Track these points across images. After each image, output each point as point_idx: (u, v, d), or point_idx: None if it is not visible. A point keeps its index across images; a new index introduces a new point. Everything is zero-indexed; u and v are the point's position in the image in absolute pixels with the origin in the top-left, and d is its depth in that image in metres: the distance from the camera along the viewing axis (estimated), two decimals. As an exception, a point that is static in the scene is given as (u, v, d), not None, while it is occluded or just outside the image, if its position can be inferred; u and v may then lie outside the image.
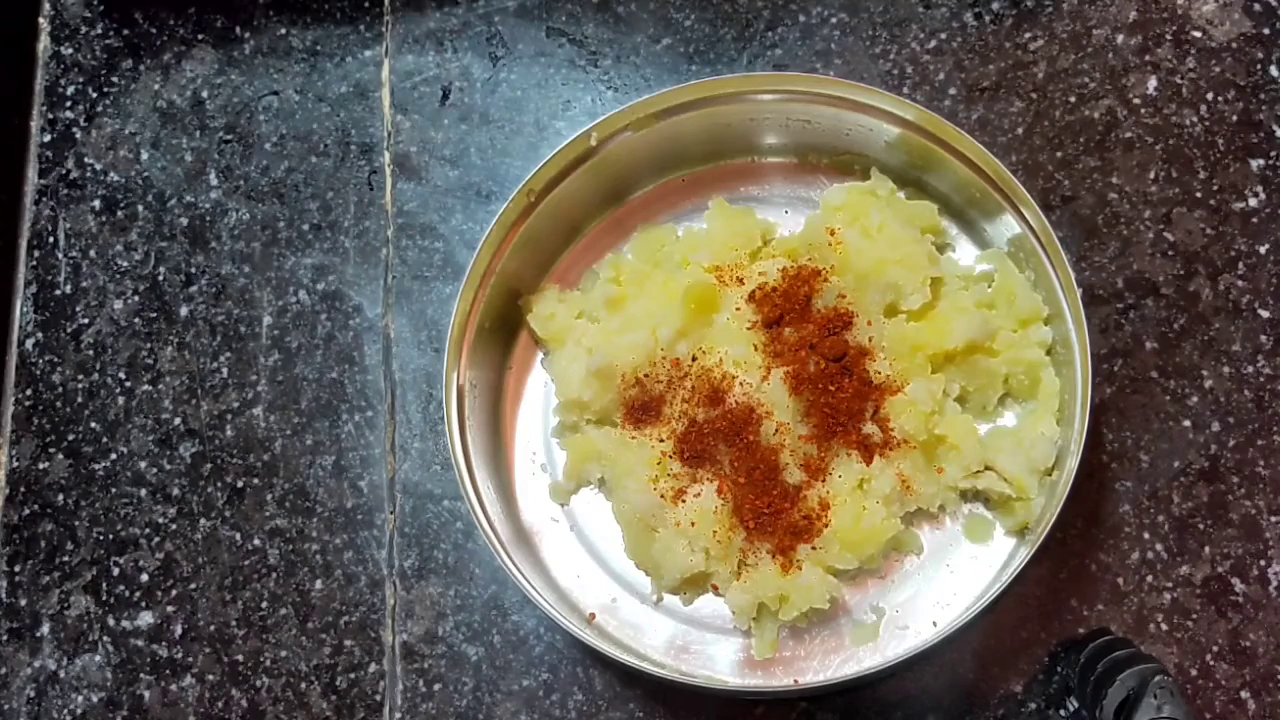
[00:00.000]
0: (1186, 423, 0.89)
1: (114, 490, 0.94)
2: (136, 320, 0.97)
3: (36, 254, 1.00)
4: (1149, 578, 0.86)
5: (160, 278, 0.98)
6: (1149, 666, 0.77)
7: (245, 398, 0.95)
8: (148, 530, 0.92)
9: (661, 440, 0.86)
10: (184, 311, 0.97)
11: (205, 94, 1.02)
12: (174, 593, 0.91)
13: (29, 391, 0.96)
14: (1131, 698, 0.76)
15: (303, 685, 0.89)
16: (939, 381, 0.85)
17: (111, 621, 0.91)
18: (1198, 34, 0.97)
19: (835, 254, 0.87)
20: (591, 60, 1.01)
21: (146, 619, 0.91)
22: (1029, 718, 0.85)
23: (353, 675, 0.89)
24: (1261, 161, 0.94)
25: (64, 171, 1.01)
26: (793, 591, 0.82)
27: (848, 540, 0.82)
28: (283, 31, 1.03)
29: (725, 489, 0.83)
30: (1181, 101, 0.96)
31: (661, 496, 0.84)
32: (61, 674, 0.90)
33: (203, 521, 0.92)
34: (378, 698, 0.88)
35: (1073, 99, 0.96)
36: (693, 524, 0.83)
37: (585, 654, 0.87)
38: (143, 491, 0.93)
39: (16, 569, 0.92)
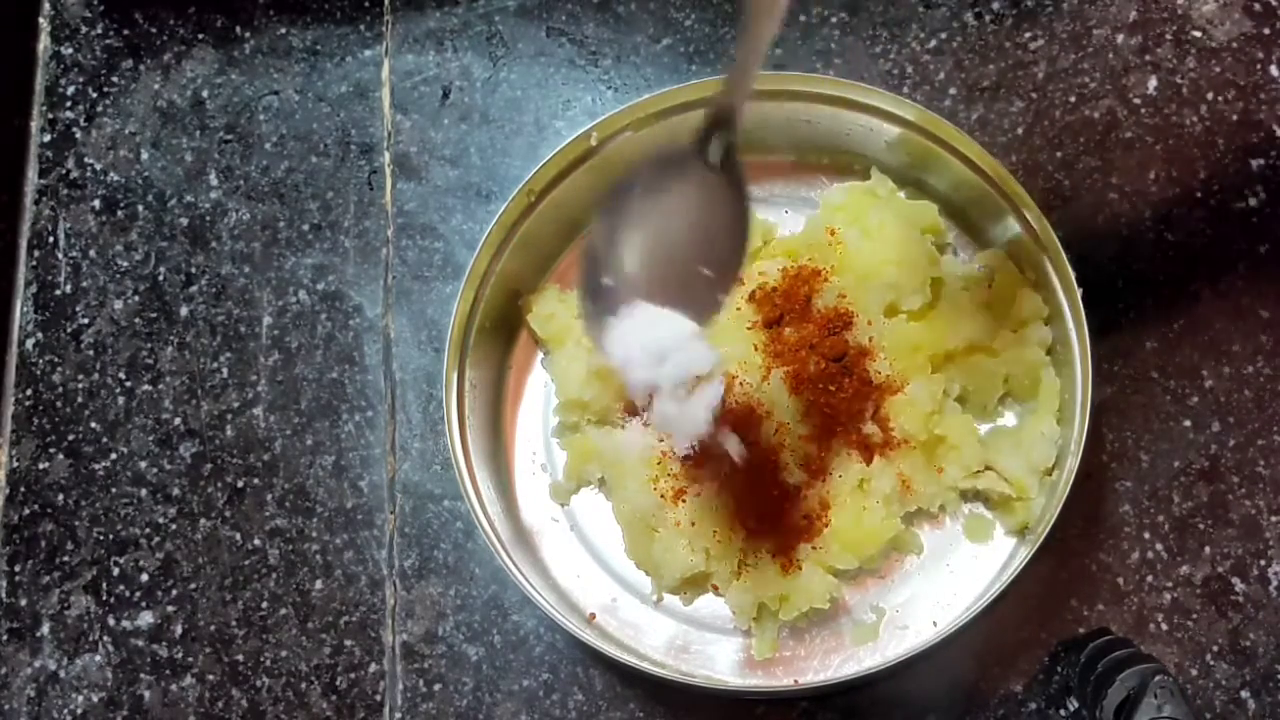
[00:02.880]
0: (1186, 423, 0.89)
1: (114, 490, 0.94)
2: (137, 320, 0.97)
3: (37, 254, 1.00)
4: (1149, 578, 0.86)
5: (160, 278, 0.98)
6: (1149, 666, 0.77)
7: (245, 398, 0.95)
8: (148, 530, 0.92)
9: (661, 440, 0.86)
10: (184, 311, 0.97)
11: (205, 94, 1.02)
12: (174, 593, 0.91)
13: (29, 391, 0.96)
14: (1131, 698, 0.76)
15: (303, 685, 0.89)
16: (939, 381, 0.85)
17: (112, 621, 0.91)
18: (1198, 34, 0.97)
19: (835, 254, 0.87)
20: (591, 60, 1.01)
21: (147, 619, 0.91)
22: (1029, 718, 0.85)
23: (353, 675, 0.89)
24: (1261, 161, 0.94)
25: (64, 171, 1.01)
26: (793, 591, 0.82)
27: (848, 540, 0.82)
28: (283, 31, 1.03)
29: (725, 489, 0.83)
30: (1181, 101, 0.96)
31: (661, 496, 0.84)
32: (62, 674, 0.90)
33: (203, 521, 0.92)
34: (378, 698, 0.88)
35: (1073, 99, 0.96)
36: (693, 524, 0.83)
37: (585, 654, 0.87)
38: (143, 491, 0.93)
39: (17, 569, 0.92)
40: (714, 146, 0.67)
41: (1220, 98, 0.96)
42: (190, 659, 0.90)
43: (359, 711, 0.88)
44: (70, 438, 0.95)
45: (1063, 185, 0.95)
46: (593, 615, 0.87)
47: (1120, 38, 0.98)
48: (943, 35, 0.99)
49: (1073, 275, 0.84)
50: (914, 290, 0.86)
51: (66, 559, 0.92)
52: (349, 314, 0.96)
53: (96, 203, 1.00)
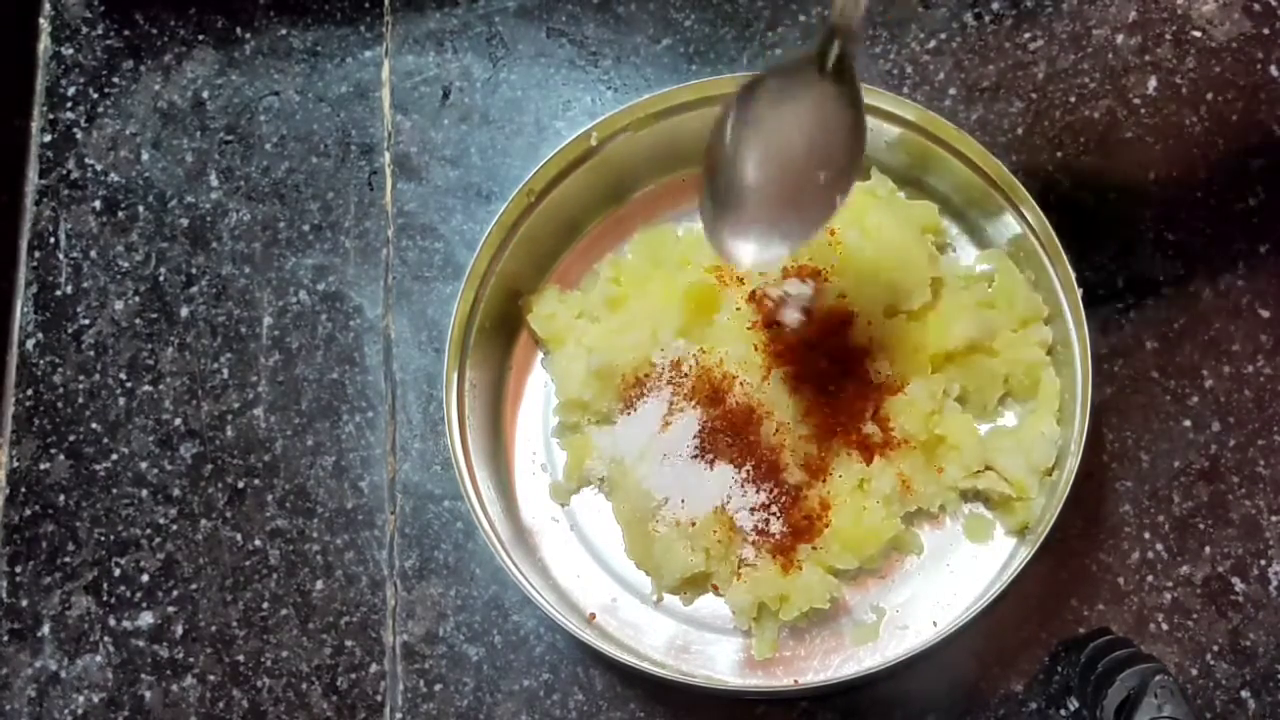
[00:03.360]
0: (1186, 423, 0.89)
1: (115, 491, 0.94)
2: (137, 321, 0.97)
3: (37, 254, 1.00)
4: (1149, 577, 0.86)
5: (161, 278, 0.98)
6: (1149, 666, 0.77)
7: (246, 398, 0.95)
8: (149, 531, 0.93)
9: (663, 430, 0.85)
10: (184, 312, 0.97)
11: (206, 94, 1.02)
12: (175, 593, 0.91)
13: (30, 392, 0.96)
14: (1132, 697, 0.76)
15: (304, 686, 0.89)
16: (939, 381, 0.85)
17: (112, 622, 0.91)
18: (1198, 34, 0.97)
19: (835, 254, 0.87)
20: (591, 60, 1.01)
21: (147, 619, 0.91)
22: (1029, 718, 0.85)
23: (354, 676, 0.89)
24: (1261, 161, 0.94)
25: (65, 172, 1.01)
26: (793, 591, 0.82)
27: (848, 540, 0.82)
28: (283, 32, 1.03)
29: (725, 489, 0.83)
30: (1181, 101, 0.96)
31: (663, 498, 0.84)
32: (63, 674, 0.90)
33: (203, 522, 0.92)
34: (379, 698, 0.88)
35: (1073, 99, 0.96)
36: (693, 524, 0.83)
37: (585, 654, 0.87)
38: (144, 492, 0.93)
39: (17, 569, 0.92)
40: (831, 56, 0.71)
41: (1220, 98, 0.96)
42: (191, 659, 0.90)
43: (360, 712, 0.88)
44: (71, 438, 0.95)
45: (1063, 185, 0.95)
46: (593, 615, 0.87)
47: (1120, 38, 0.98)
48: (942, 35, 0.99)
49: (1073, 275, 0.84)
50: (914, 290, 0.86)
51: (67, 559, 0.92)
52: (349, 314, 0.96)
53: (97, 203, 1.00)
